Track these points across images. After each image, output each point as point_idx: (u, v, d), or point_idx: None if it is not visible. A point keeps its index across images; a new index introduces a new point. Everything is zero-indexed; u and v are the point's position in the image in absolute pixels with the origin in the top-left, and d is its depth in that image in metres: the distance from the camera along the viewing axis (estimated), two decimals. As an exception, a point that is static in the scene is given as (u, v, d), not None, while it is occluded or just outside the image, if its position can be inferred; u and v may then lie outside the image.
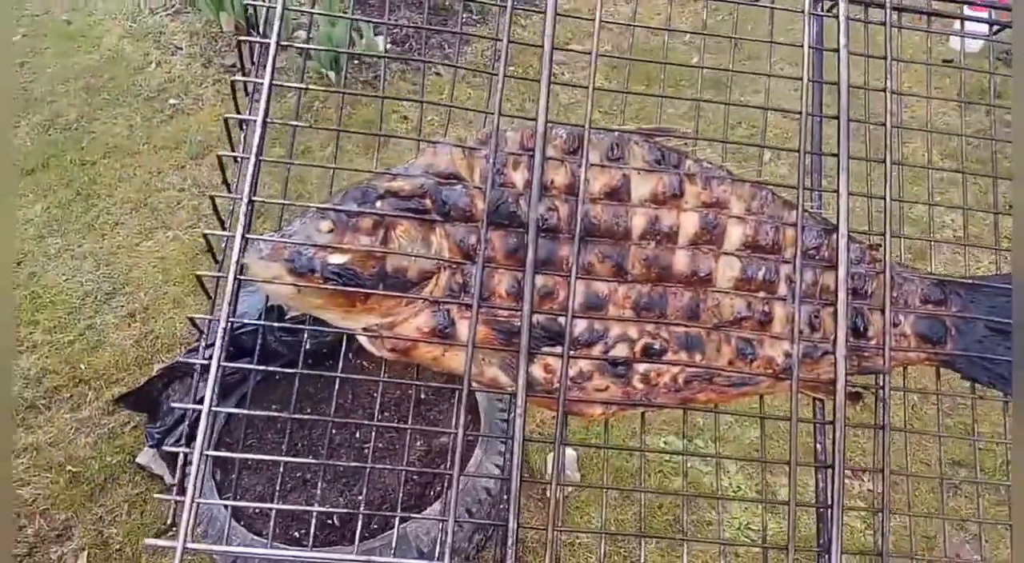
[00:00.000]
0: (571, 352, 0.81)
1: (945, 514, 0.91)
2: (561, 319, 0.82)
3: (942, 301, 0.93)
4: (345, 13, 3.76)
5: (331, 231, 0.81)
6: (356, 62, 3.68)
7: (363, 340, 0.84)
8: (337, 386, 0.90)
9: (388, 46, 3.81)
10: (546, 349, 0.82)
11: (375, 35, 3.71)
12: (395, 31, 3.91)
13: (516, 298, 0.82)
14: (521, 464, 0.76)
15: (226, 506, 1.90)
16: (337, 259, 0.80)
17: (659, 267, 0.85)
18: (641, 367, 0.85)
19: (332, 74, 3.57)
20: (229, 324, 0.74)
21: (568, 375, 0.81)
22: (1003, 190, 1.02)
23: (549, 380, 0.83)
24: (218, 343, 0.70)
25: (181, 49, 3.89)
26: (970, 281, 0.95)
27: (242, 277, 0.77)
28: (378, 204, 0.82)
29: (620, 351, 0.84)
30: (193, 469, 0.71)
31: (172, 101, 3.64)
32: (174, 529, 0.73)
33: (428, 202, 0.83)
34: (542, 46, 0.86)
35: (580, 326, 0.84)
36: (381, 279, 0.81)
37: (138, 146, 3.42)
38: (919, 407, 2.42)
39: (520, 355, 0.79)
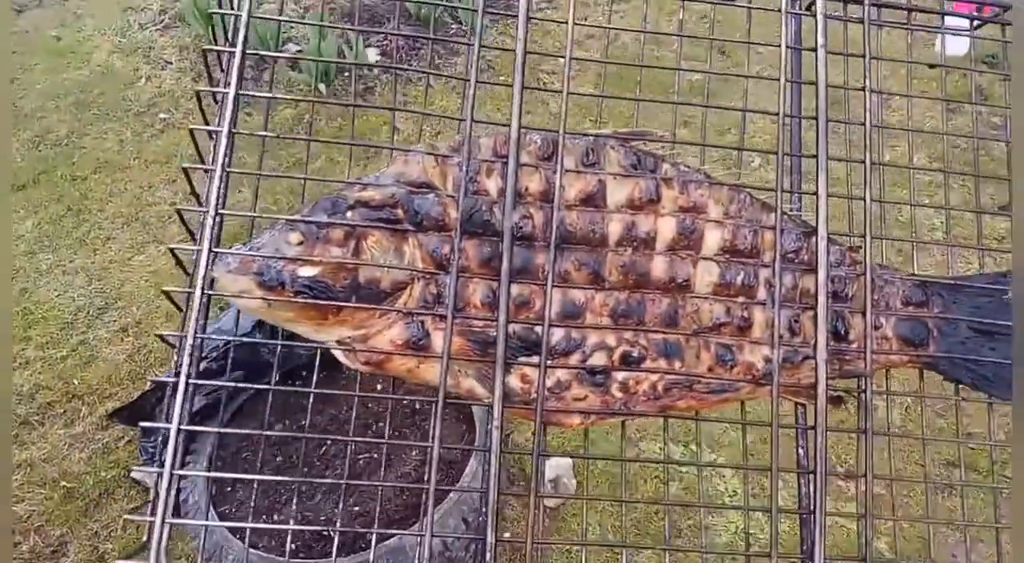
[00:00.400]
0: (548, 362, 0.80)
1: (931, 517, 0.90)
2: (538, 328, 0.81)
3: (924, 302, 0.92)
4: (334, 27, 3.76)
5: (301, 243, 0.80)
6: (347, 74, 3.68)
7: (337, 353, 0.83)
8: (312, 399, 0.88)
9: (378, 58, 3.81)
10: (523, 359, 0.81)
11: (365, 47, 3.71)
12: (385, 43, 3.91)
13: (491, 308, 0.81)
14: (499, 476, 0.75)
15: (211, 522, 1.89)
16: (307, 272, 0.79)
17: (636, 274, 0.84)
18: (620, 375, 0.83)
19: (322, 86, 3.57)
20: (198, 340, 0.72)
21: (546, 385, 0.80)
22: (992, 191, 1.01)
23: (527, 390, 0.81)
24: (185, 360, 0.69)
25: (171, 64, 3.89)
26: (952, 282, 0.94)
27: (210, 292, 0.76)
28: (349, 215, 0.81)
29: (598, 359, 0.83)
30: (163, 488, 0.70)
31: (162, 115, 3.64)
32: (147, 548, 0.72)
33: (400, 212, 0.82)
34: (514, 51, 0.85)
35: (557, 335, 0.82)
36: (353, 291, 0.80)
37: (129, 161, 3.41)
38: (912, 409, 2.41)
39: (496, 366, 0.78)
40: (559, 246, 0.83)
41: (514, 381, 0.81)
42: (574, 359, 0.83)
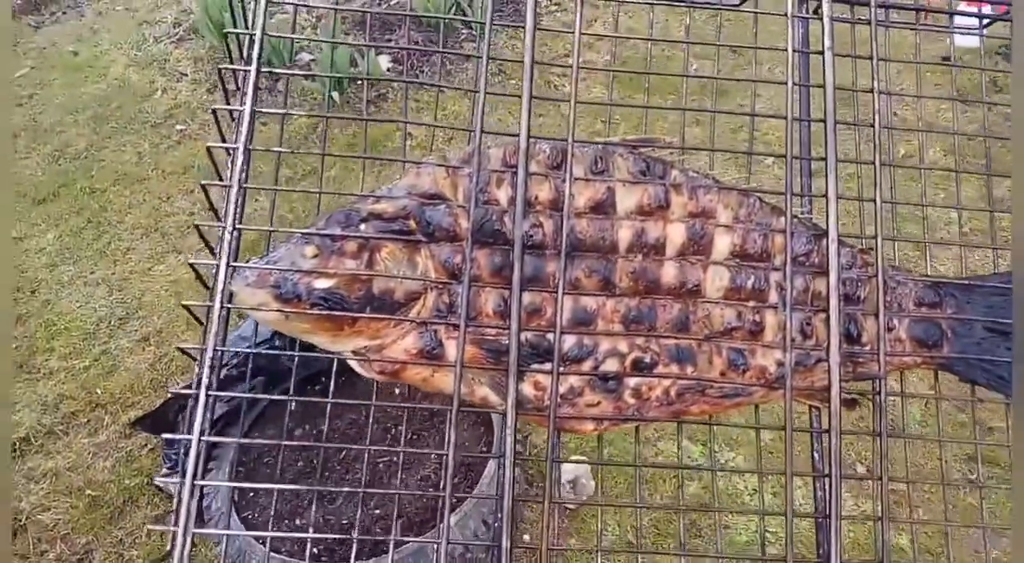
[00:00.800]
0: (560, 368, 0.81)
1: (950, 516, 0.90)
2: (550, 336, 0.81)
3: (937, 303, 0.92)
4: (346, 36, 3.79)
5: (316, 256, 0.81)
6: (360, 81, 3.71)
7: (353, 363, 0.84)
8: (329, 406, 0.90)
9: (390, 65, 3.83)
10: (535, 366, 0.82)
11: (377, 55, 3.74)
12: (397, 50, 3.94)
13: (503, 316, 0.81)
14: (513, 482, 0.75)
15: (232, 531, 1.91)
16: (323, 284, 0.80)
17: (647, 280, 0.85)
18: (632, 381, 0.84)
19: (336, 94, 3.60)
20: (218, 353, 0.74)
21: (558, 392, 0.81)
22: (1008, 184, 1.00)
23: (539, 397, 0.82)
24: (205, 373, 0.71)
25: (186, 75, 3.94)
26: (966, 281, 0.94)
27: (229, 305, 0.77)
28: (362, 227, 0.82)
29: (610, 366, 0.83)
30: (185, 498, 0.72)
31: (179, 127, 3.69)
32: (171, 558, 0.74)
33: (412, 223, 0.83)
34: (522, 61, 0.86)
35: (569, 342, 0.83)
36: (368, 302, 0.81)
37: (147, 172, 3.46)
38: (932, 404, 2.39)
39: (509, 373, 0.78)
40: (569, 254, 0.83)
41: (527, 388, 0.82)
42: (586, 366, 0.83)
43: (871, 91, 0.94)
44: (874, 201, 0.89)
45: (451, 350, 0.81)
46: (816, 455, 0.88)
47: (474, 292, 0.82)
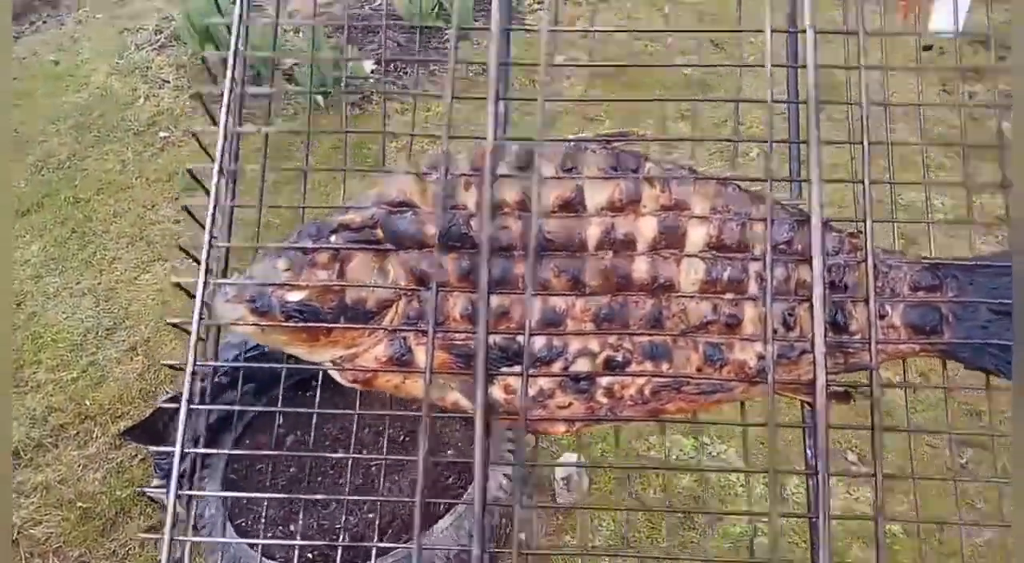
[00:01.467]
0: (530, 371, 0.79)
1: (946, 512, 0.88)
2: (519, 338, 0.80)
3: (936, 286, 0.87)
4: (328, 39, 3.77)
5: (288, 269, 0.81)
6: (342, 85, 3.70)
7: (333, 373, 0.84)
8: (316, 416, 0.90)
9: (374, 67, 3.82)
10: (505, 370, 0.80)
11: (361, 58, 3.72)
12: (379, 53, 3.93)
13: (471, 320, 0.80)
14: (484, 490, 0.74)
15: (217, 538, 1.91)
16: (295, 296, 0.79)
17: (618, 277, 0.82)
18: (604, 381, 0.82)
19: (320, 98, 3.58)
20: (199, 367, 0.74)
21: (528, 394, 0.79)
22: (991, 171, 0.97)
23: (510, 401, 0.81)
24: (186, 386, 0.71)
25: (169, 82, 3.92)
26: (969, 262, 0.88)
27: (208, 322, 0.78)
28: (332, 238, 0.82)
29: (581, 366, 0.82)
30: (169, 509, 0.72)
31: (162, 134, 3.67)
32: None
33: (379, 232, 0.82)
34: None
35: (538, 343, 0.81)
36: (341, 312, 0.80)
37: (131, 180, 3.44)
38: (920, 390, 2.38)
39: (476, 377, 0.77)
40: (538, 254, 0.81)
41: (497, 392, 0.81)
42: (556, 367, 0.81)
43: (857, 67, 0.91)
44: (862, 182, 0.85)
45: (420, 356, 0.80)
46: (809, 451, 0.86)
47: (443, 297, 0.81)
